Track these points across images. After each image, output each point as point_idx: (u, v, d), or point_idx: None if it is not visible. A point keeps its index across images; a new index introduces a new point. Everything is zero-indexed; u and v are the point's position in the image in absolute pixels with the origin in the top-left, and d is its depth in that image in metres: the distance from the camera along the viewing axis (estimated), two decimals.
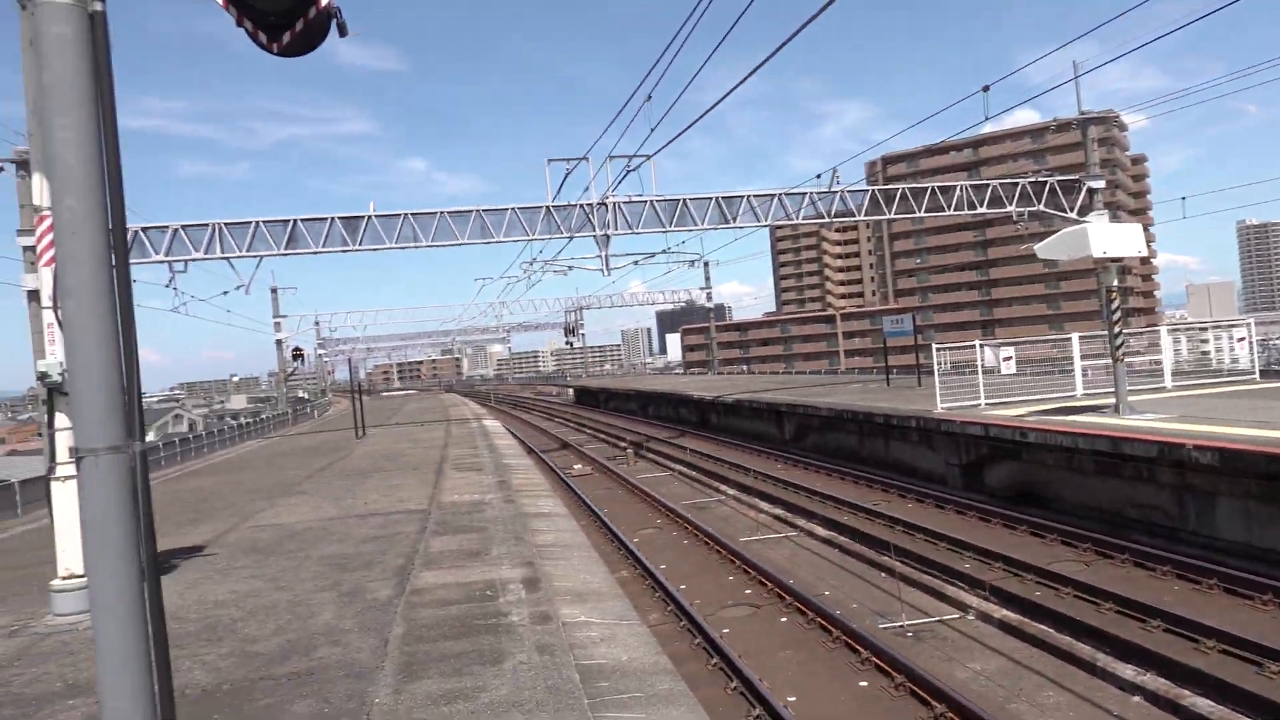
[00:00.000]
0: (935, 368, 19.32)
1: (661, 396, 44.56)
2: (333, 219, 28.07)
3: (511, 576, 8.33)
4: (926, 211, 29.45)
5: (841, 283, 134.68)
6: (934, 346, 19.49)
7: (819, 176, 28.69)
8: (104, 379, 3.20)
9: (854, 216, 29.94)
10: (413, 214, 28.61)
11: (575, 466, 28.44)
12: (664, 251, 37.59)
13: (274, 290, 57.13)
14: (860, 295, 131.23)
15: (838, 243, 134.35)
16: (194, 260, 28.13)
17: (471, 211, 28.88)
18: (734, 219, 29.65)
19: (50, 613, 7.71)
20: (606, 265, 31.56)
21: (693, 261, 47.56)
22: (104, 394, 3.18)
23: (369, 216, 28.26)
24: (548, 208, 29.26)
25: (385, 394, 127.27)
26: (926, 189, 29.87)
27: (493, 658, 6.02)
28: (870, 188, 30.22)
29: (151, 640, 3.01)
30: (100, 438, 3.14)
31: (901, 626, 9.98)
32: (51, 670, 6.37)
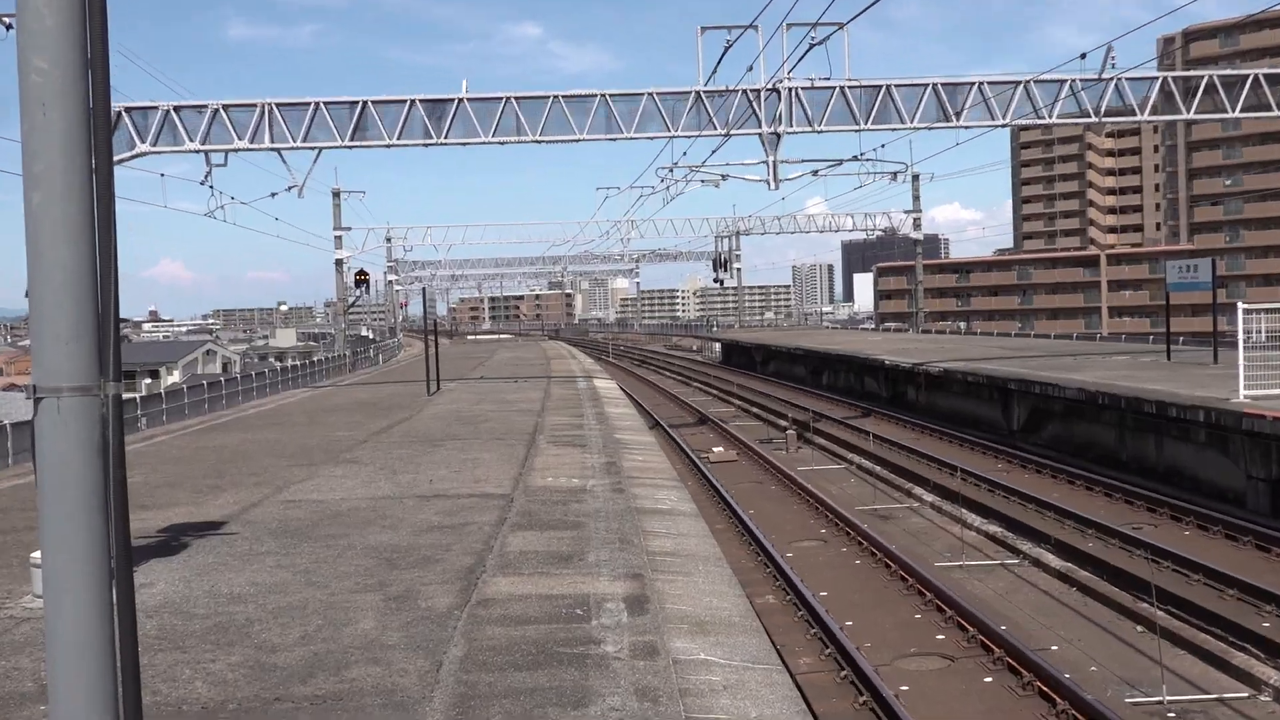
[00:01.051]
0: (1240, 337, 18.32)
1: (841, 360, 44.36)
2: (412, 102, 28.92)
3: (611, 592, 8.44)
4: (1245, 110, 27.75)
5: (1111, 210, 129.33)
6: (1239, 306, 18.44)
7: (1084, 57, 27.43)
8: (72, 298, 3.33)
9: (1135, 115, 28.54)
10: (518, 98, 29.13)
11: (715, 449, 28.76)
12: (856, 159, 36.94)
13: (336, 194, 59.51)
14: (1138, 230, 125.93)
15: (1109, 153, 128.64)
16: (237, 150, 29.61)
17: (595, 96, 29.16)
18: (958, 115, 28.80)
19: (30, 592, 8.32)
20: (775, 175, 31.28)
21: (896, 174, 46.49)
22: (71, 317, 3.32)
23: (460, 100, 28.95)
24: (698, 93, 29.20)
25: (471, 337, 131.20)
26: (1247, 78, 28.09)
27: (575, 699, 6.11)
28: (1162, 74, 28.68)
29: (118, 637, 3.16)
30: (63, 374, 3.27)
31: (1161, 704, 9.69)
32: (24, 665, 6.88)
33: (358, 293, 59.10)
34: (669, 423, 35.90)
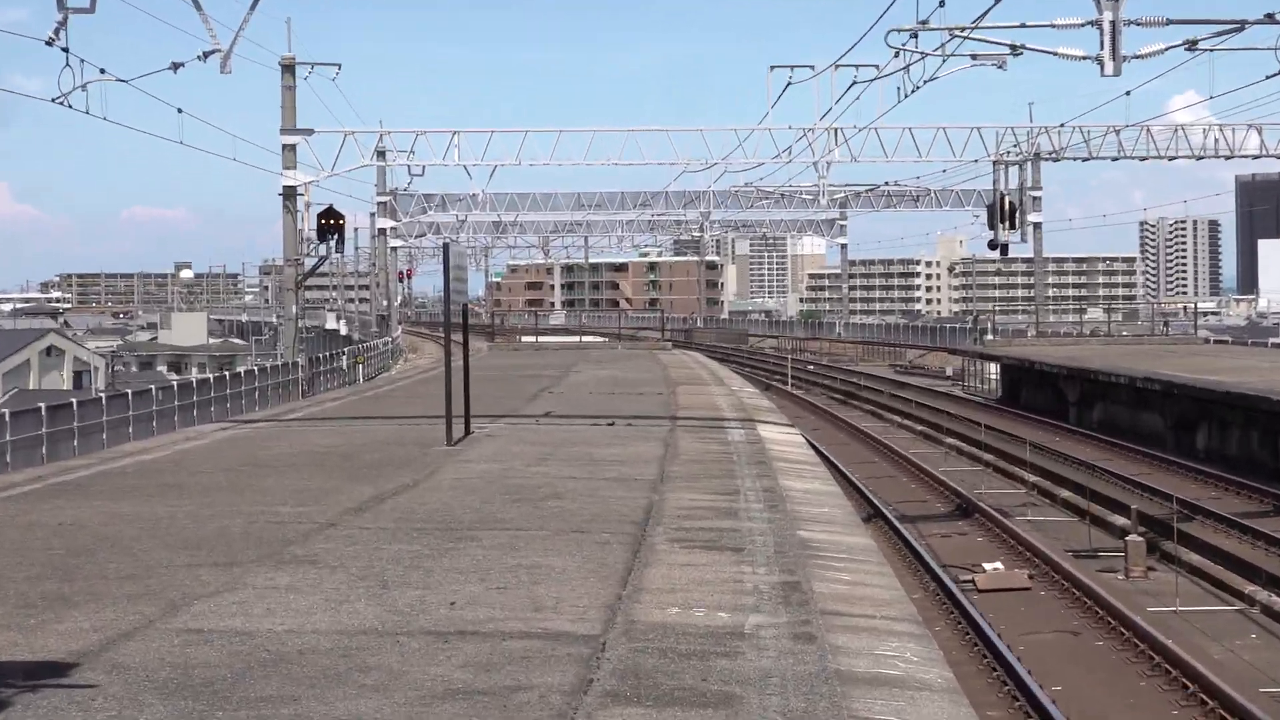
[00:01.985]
0: None
1: (1231, 404, 43.89)
2: None
3: None
4: None
5: None
6: None
7: None
8: None
9: None
10: None
11: (987, 565, 28.52)
12: (1270, 19, 36.22)
13: (288, 67, 60.41)
14: None
15: None
16: None
17: None
18: None
19: None
20: (1113, 49, 30.79)
21: None
22: None
23: None
24: None
25: (529, 339, 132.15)
26: None
27: None
28: None
29: None
30: None
31: None
32: None
33: (322, 251, 59.67)
34: (899, 511, 35.60)
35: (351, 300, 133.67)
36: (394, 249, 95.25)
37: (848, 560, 18.35)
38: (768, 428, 35.98)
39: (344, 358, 70.30)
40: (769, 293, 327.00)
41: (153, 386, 45.62)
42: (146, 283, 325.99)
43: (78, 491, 23.70)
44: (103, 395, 43.51)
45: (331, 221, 55.07)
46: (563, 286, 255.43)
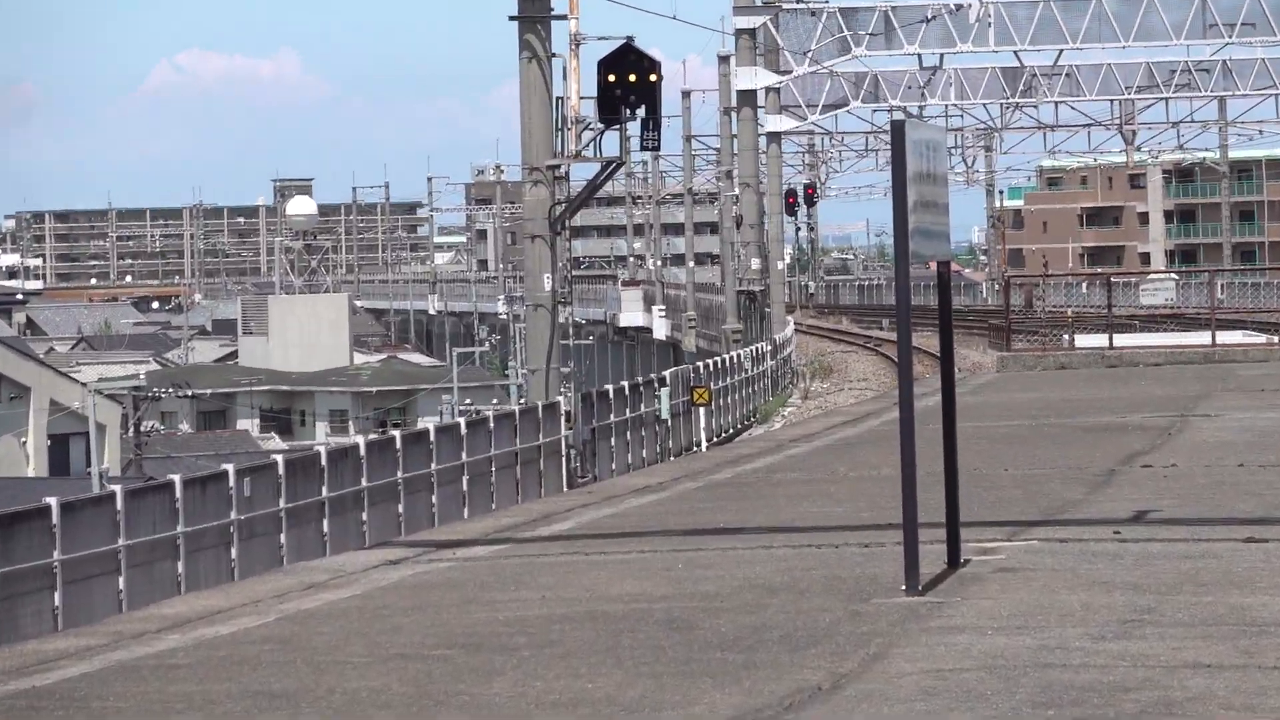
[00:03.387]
0: None
1: None
2: None
3: None
4: None
5: None
6: None
7: None
8: None
9: None
10: None
11: None
12: None
13: None
14: None
15: None
16: None
17: None
18: None
19: None
20: None
21: None
22: None
23: None
24: None
25: (1088, 341, 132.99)
26: None
27: None
28: None
29: None
30: None
31: None
32: None
33: (610, 148, 60.44)
34: None
35: (678, 258, 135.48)
36: (774, 136, 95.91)
37: None
38: None
39: (660, 393, 71.16)
40: None
41: (229, 468, 45.83)
42: (211, 229, 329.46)
43: (65, 709, 24.02)
44: (116, 490, 44.27)
45: (631, 79, 55.53)
46: (1169, 217, 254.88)
